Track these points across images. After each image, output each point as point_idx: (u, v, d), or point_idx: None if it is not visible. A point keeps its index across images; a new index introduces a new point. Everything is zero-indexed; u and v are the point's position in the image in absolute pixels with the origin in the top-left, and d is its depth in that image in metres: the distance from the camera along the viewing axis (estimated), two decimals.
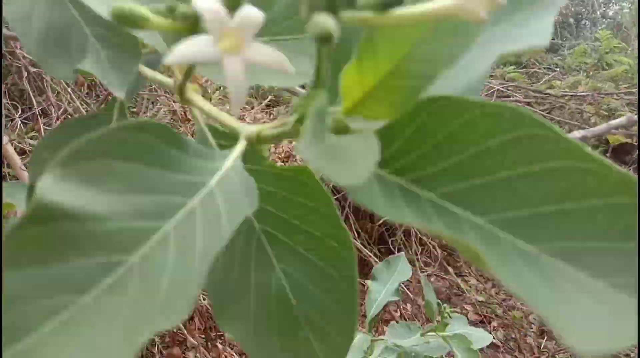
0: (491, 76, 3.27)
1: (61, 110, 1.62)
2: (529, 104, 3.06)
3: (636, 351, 1.92)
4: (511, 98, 3.02)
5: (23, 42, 0.29)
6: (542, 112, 3.04)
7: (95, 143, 0.18)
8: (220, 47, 0.17)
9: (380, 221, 2.37)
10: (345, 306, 0.25)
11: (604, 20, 4.49)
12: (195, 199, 0.19)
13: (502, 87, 2.97)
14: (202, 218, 0.19)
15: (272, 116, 2.65)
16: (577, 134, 0.98)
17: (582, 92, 2.97)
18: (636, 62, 2.92)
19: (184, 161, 0.20)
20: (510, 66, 3.41)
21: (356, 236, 2.16)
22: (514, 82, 3.09)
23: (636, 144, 2.42)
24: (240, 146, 0.22)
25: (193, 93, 0.26)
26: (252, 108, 2.67)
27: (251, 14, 0.17)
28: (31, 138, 1.71)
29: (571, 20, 4.16)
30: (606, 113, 2.91)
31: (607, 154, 2.57)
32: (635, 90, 2.78)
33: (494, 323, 2.23)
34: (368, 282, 0.76)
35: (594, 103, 2.97)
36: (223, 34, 0.17)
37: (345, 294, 0.26)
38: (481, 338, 0.76)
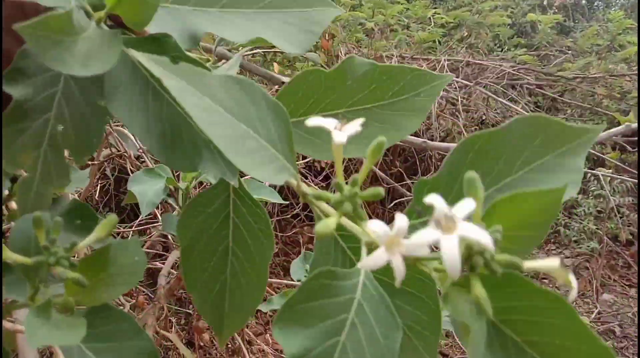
0: (502, 58, 3.25)
1: None
2: (540, 86, 3.04)
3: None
4: (522, 81, 3.01)
5: (152, 152, 0.34)
6: (553, 95, 3.03)
7: (295, 296, 0.27)
8: (387, 250, 0.26)
9: (391, 205, 2.39)
10: (432, 317, 0.35)
11: (618, 1, 4.43)
12: (352, 312, 0.27)
13: (513, 70, 2.96)
14: (361, 326, 0.27)
15: None
16: None
17: (594, 74, 2.95)
18: None
19: (339, 286, 0.28)
20: (522, 48, 3.39)
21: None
22: (525, 65, 3.07)
23: None
24: (364, 255, 0.29)
25: (316, 201, 0.32)
26: None
27: (401, 224, 0.26)
28: None
29: (584, 2, 4.11)
30: (619, 95, 2.89)
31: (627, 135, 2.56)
32: None
33: None
34: None
35: (607, 85, 2.94)
36: (387, 239, 0.26)
37: (432, 310, 0.35)
38: None
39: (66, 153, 0.36)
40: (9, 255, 0.34)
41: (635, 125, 1.13)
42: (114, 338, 0.36)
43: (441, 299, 0.27)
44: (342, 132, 0.29)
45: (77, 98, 0.35)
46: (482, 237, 0.23)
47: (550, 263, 0.25)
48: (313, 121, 0.30)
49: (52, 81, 0.34)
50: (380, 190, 0.28)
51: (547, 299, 0.26)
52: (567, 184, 0.25)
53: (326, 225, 0.27)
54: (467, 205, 0.24)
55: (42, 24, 0.26)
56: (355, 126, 0.29)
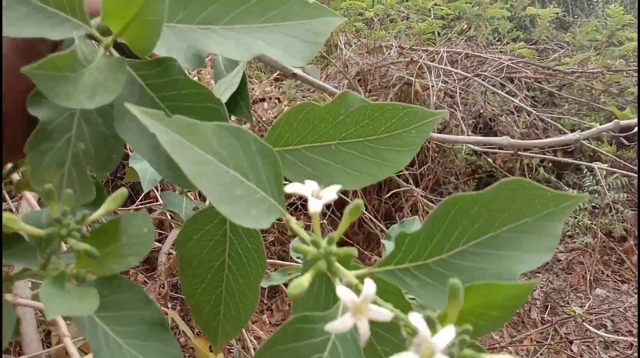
0: (501, 51, 3.24)
1: None
2: (537, 80, 3.04)
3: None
4: (520, 74, 3.01)
5: (159, 172, 0.36)
6: (551, 89, 3.03)
7: (272, 339, 0.29)
8: (353, 315, 0.27)
9: (387, 196, 2.39)
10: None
11: None
12: (326, 352, 0.30)
13: (512, 63, 2.95)
14: None
15: (280, 89, 2.65)
16: (570, 136, 1.00)
17: (592, 69, 2.95)
18: None
19: (316, 329, 0.30)
20: (520, 41, 3.38)
21: (363, 209, 2.18)
22: (524, 58, 3.07)
23: None
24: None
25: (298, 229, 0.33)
26: (261, 82, 2.67)
27: (369, 291, 0.27)
28: None
29: None
30: (616, 91, 2.89)
31: (614, 131, 2.56)
32: None
33: None
34: (384, 241, 0.78)
35: (604, 81, 2.94)
36: (354, 306, 0.27)
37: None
38: None
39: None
40: (22, 226, 0.35)
41: (623, 122, 1.12)
42: (123, 307, 0.37)
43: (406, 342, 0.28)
44: (319, 200, 0.31)
45: (95, 118, 0.36)
46: None
47: None
48: (291, 188, 0.31)
49: None
50: (354, 251, 0.29)
51: None
52: (532, 283, 0.27)
53: (299, 285, 0.28)
54: (447, 335, 0.26)
55: (47, 64, 0.27)
56: (332, 193, 0.31)
